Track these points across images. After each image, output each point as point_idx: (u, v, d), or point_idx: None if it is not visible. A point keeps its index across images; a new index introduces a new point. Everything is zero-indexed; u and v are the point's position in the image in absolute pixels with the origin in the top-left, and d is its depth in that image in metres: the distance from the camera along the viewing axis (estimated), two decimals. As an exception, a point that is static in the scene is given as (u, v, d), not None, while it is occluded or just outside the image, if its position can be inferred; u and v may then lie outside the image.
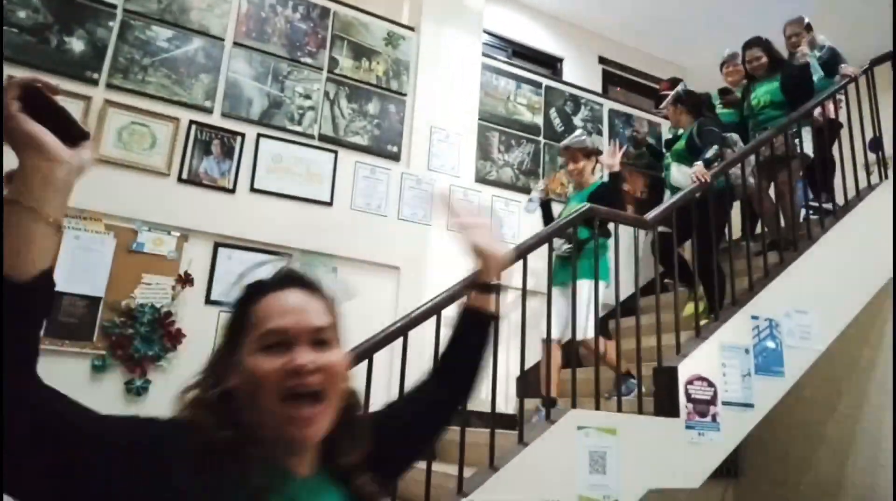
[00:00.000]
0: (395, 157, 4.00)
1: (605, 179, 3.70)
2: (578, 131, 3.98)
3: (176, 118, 3.40)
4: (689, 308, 3.42)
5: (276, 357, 0.79)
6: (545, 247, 2.77)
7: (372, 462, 0.89)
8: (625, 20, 5.41)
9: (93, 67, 3.27)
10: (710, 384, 2.86)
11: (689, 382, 2.82)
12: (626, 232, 3.14)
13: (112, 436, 0.72)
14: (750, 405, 2.93)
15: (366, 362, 2.31)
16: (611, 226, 3.16)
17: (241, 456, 0.75)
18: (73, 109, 3.14)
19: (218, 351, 0.85)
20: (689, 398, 2.79)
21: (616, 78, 5.65)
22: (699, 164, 3.42)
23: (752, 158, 3.76)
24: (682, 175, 3.71)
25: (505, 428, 2.79)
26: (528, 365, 2.64)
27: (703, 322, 3.12)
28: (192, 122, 3.43)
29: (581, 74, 5.33)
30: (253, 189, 3.51)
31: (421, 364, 2.86)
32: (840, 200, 3.82)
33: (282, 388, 0.78)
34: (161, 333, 3.10)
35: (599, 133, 4.92)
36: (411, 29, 4.28)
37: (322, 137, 3.79)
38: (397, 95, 4.10)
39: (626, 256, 3.11)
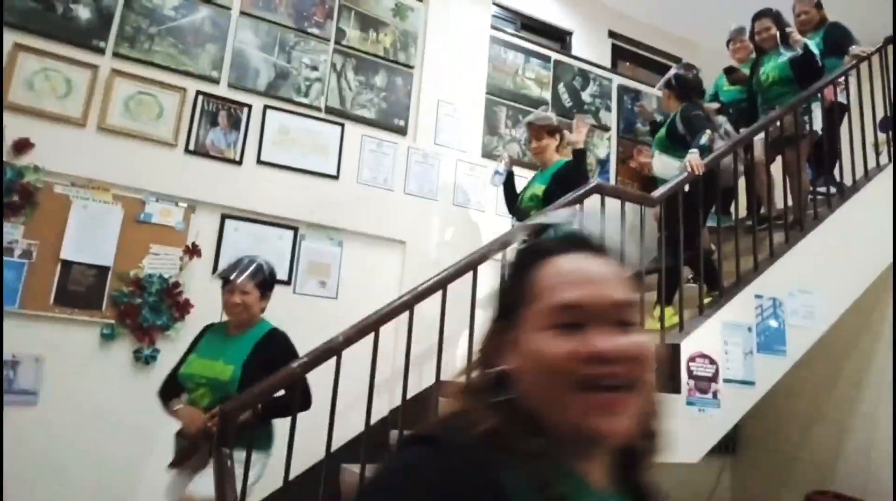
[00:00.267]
0: (402, 131, 3.98)
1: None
2: (542, 108, 3.84)
3: (183, 88, 3.38)
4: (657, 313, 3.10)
5: (568, 338, 0.64)
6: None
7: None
8: (636, -7, 5.32)
9: (99, 36, 3.24)
10: (712, 362, 2.88)
11: (692, 359, 2.84)
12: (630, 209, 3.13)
13: None
14: (751, 383, 2.96)
15: (371, 335, 2.33)
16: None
17: (535, 456, 0.61)
18: (80, 78, 3.15)
19: (491, 328, 0.72)
20: (690, 375, 2.82)
21: (626, 53, 5.58)
22: (694, 152, 3.27)
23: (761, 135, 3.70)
24: (663, 165, 3.64)
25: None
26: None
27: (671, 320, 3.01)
28: (198, 92, 3.42)
29: (590, 48, 5.26)
30: (260, 161, 3.51)
31: (426, 338, 2.89)
32: (848, 180, 3.79)
33: (577, 377, 0.63)
34: (169, 303, 3.13)
35: (608, 109, 4.88)
36: (419, 0, 4.22)
37: (329, 110, 3.77)
38: (405, 68, 4.07)
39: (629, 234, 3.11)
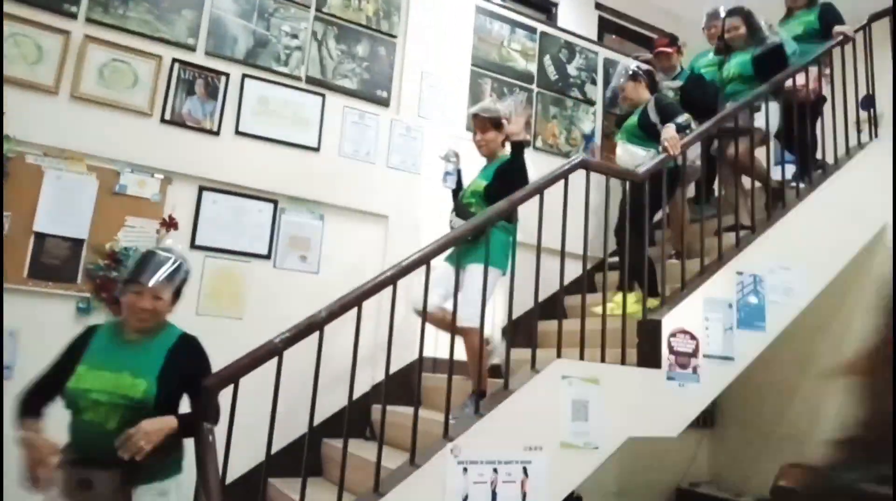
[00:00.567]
0: (385, 102, 3.91)
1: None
2: (489, 98, 3.57)
3: (158, 56, 3.28)
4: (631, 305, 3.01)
5: None
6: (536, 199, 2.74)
7: None
8: (623, -35, 5.25)
9: (71, 0, 3.12)
10: (693, 337, 2.91)
11: (672, 334, 2.87)
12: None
13: None
14: (730, 359, 2.99)
15: (355, 310, 2.31)
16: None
17: None
18: (52, 44, 3.03)
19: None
20: (671, 351, 2.84)
21: (612, 26, 5.52)
22: (670, 127, 3.19)
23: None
24: (629, 155, 3.53)
25: (491, 377, 2.85)
26: (515, 315, 2.66)
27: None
28: (174, 60, 3.32)
29: (577, 19, 5.19)
30: (238, 132, 3.43)
31: (409, 314, 2.87)
32: (830, 158, 3.81)
33: None
34: (146, 276, 3.07)
35: (594, 83, 4.84)
36: (403, -32, 4.12)
37: (309, 80, 3.69)
38: (388, 37, 3.98)
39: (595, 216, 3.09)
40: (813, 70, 3.73)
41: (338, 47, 3.80)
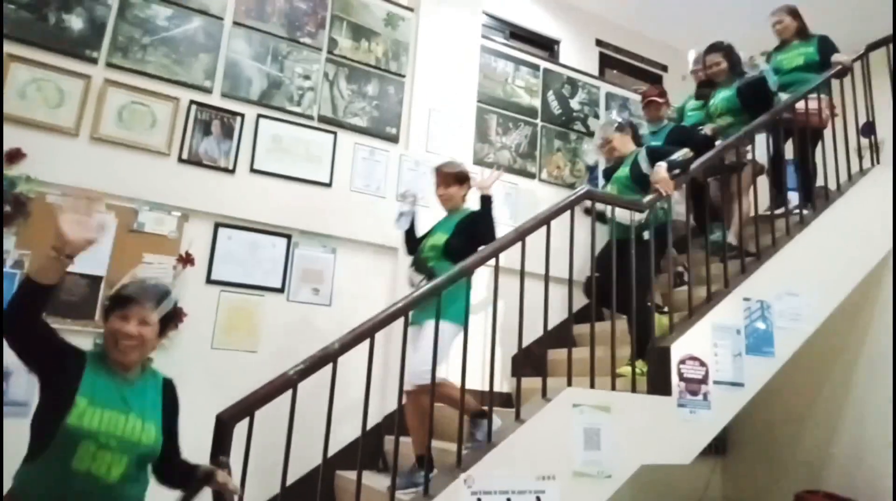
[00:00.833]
0: (394, 138, 4.01)
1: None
2: (451, 158, 3.47)
3: (176, 98, 3.40)
4: (626, 369, 2.95)
5: None
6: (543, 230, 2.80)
7: None
8: (622, 2, 5.40)
9: (92, 46, 3.26)
10: (702, 364, 2.93)
11: (682, 361, 2.88)
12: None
13: None
14: (740, 385, 3.00)
15: (367, 342, 2.35)
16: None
17: None
18: (72, 87, 3.16)
19: None
20: (681, 378, 2.86)
21: (613, 61, 5.66)
22: (661, 166, 3.12)
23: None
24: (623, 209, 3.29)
25: (502, 406, 2.87)
26: (524, 344, 2.69)
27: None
28: (192, 101, 3.44)
29: (578, 56, 5.33)
30: (253, 170, 3.53)
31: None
32: (832, 184, 3.86)
33: None
34: (163, 311, 3.13)
35: (596, 116, 4.94)
36: (410, 10, 4.27)
37: (321, 118, 3.80)
38: (396, 77, 4.11)
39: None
40: (825, 98, 3.81)
41: (348, 87, 3.93)
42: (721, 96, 4.00)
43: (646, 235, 3.04)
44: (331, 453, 2.39)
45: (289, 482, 2.24)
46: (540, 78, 4.75)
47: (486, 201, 3.07)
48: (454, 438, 2.45)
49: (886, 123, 3.96)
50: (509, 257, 2.68)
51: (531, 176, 4.52)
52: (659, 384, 2.85)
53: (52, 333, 1.65)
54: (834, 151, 3.85)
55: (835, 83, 3.92)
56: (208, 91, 3.51)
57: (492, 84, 4.52)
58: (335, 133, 3.80)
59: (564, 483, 2.50)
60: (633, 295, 2.84)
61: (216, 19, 3.59)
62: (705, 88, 4.32)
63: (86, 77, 3.21)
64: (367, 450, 2.57)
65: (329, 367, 2.26)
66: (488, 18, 4.89)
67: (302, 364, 2.23)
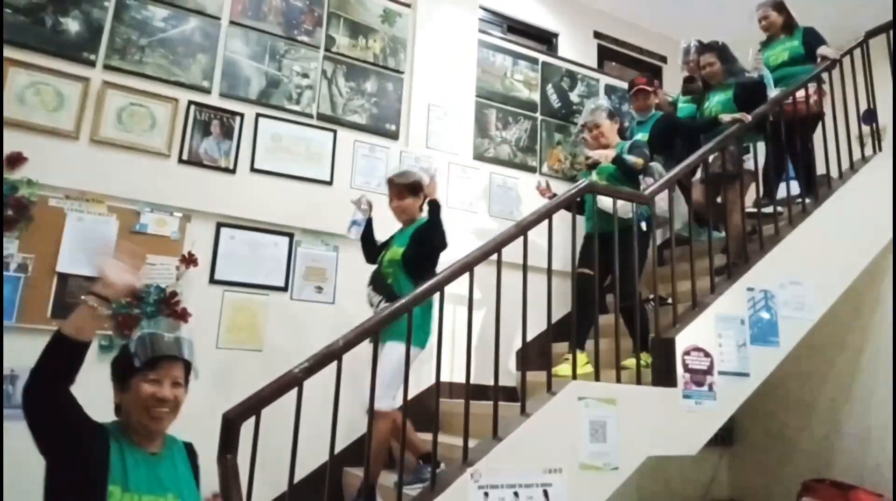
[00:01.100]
0: (394, 135, 4.01)
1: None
2: (407, 165, 3.40)
3: (174, 99, 3.40)
4: (565, 368, 2.93)
5: None
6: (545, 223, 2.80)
7: None
8: (620, -6, 5.39)
9: (89, 49, 3.25)
10: (707, 355, 2.93)
11: (686, 352, 2.88)
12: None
13: None
14: (745, 375, 3.00)
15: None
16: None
17: None
18: (71, 91, 3.16)
19: None
20: (686, 369, 2.86)
21: (612, 53, 5.64)
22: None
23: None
24: (609, 199, 3.13)
25: (507, 401, 2.87)
26: (528, 339, 2.69)
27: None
28: (190, 102, 3.43)
29: (577, 49, 5.32)
30: (253, 169, 3.53)
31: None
32: (834, 172, 3.85)
33: None
34: (167, 313, 3.14)
35: (596, 109, 4.92)
36: (407, 5, 4.26)
37: (320, 117, 3.80)
38: (395, 73, 4.10)
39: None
40: (811, 86, 3.78)
41: (347, 84, 3.92)
42: (716, 100, 3.89)
43: (643, 226, 3.03)
44: (337, 449, 2.40)
45: (296, 479, 2.24)
46: (539, 71, 4.74)
47: (433, 206, 2.97)
48: (460, 432, 2.45)
49: (887, 111, 3.95)
50: (508, 252, 2.67)
51: (532, 170, 4.51)
52: (664, 375, 2.85)
53: (75, 403, 1.46)
54: (835, 138, 3.84)
55: (835, 70, 3.89)
56: (207, 91, 3.50)
57: (490, 79, 4.51)
58: (335, 131, 3.80)
59: (571, 476, 2.51)
60: (636, 288, 2.83)
61: (213, 19, 3.58)
62: (691, 83, 4.23)
63: (84, 80, 3.21)
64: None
65: (333, 364, 2.26)
66: (485, 13, 4.88)
67: (307, 362, 2.23)
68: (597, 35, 5.53)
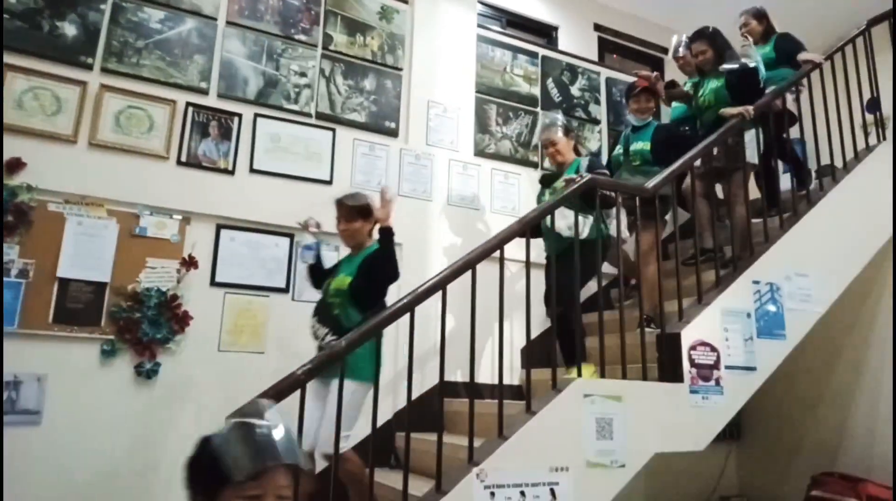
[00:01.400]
0: (393, 133, 3.98)
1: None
2: (357, 191, 3.14)
3: (172, 101, 3.38)
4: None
5: None
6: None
7: None
8: (619, -14, 5.35)
9: (86, 52, 3.23)
10: (713, 349, 2.90)
11: (693, 347, 2.85)
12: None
13: None
14: (752, 369, 2.97)
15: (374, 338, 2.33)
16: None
17: None
18: (69, 94, 3.14)
19: None
20: (692, 364, 2.83)
21: (612, 45, 5.59)
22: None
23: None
24: (563, 218, 2.98)
25: (512, 399, 2.85)
26: (532, 336, 2.67)
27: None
28: (188, 104, 3.41)
29: (577, 42, 5.27)
30: (252, 170, 3.51)
31: (426, 340, 2.88)
32: (839, 162, 3.81)
33: None
34: (168, 315, 3.13)
35: (597, 102, 4.90)
36: (405, 2, 4.23)
37: (319, 116, 3.77)
38: (393, 70, 4.08)
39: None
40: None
41: (345, 83, 3.90)
42: (710, 87, 3.81)
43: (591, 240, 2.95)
44: (342, 451, 2.38)
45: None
46: (539, 66, 4.71)
47: (384, 234, 2.78)
48: (464, 431, 2.43)
49: (891, 99, 3.90)
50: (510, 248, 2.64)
51: (533, 166, 4.48)
52: (670, 371, 2.82)
53: None
54: (839, 128, 3.80)
55: (837, 58, 3.85)
56: (204, 92, 3.48)
57: (490, 74, 4.47)
58: (333, 130, 3.77)
59: (578, 474, 2.48)
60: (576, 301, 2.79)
61: (209, 20, 3.56)
62: (673, 88, 4.04)
63: (82, 83, 3.20)
64: (378, 447, 2.56)
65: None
66: (484, 7, 4.84)
67: (309, 364, 2.21)
68: (597, 28, 5.49)
